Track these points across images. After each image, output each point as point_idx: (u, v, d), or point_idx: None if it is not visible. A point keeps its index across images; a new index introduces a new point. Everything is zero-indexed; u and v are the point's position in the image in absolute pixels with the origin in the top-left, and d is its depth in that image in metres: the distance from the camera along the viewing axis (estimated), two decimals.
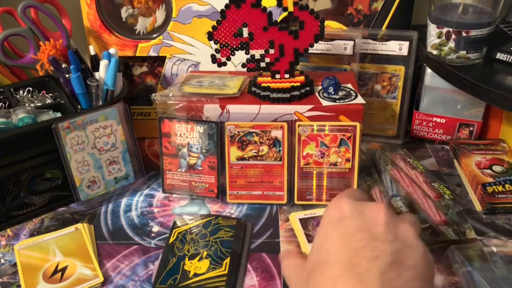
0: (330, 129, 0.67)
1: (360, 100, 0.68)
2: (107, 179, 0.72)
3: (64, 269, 0.60)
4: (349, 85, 0.72)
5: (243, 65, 0.70)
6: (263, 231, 0.66)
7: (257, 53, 0.68)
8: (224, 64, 0.70)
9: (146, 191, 0.75)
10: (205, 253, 0.60)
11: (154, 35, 0.83)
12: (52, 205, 0.71)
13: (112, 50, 0.76)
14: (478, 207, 0.69)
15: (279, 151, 0.68)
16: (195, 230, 0.65)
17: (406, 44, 0.78)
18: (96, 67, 0.74)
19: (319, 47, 0.80)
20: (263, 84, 0.70)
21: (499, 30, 0.76)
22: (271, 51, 0.68)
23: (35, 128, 0.66)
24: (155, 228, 0.67)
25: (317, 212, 0.67)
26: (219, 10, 0.67)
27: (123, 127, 0.71)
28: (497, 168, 0.72)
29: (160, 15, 0.82)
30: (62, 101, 0.74)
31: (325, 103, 0.68)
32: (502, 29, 0.78)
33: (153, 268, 0.61)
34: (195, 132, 0.69)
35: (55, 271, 0.60)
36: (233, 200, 0.71)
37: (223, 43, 0.68)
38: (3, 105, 0.75)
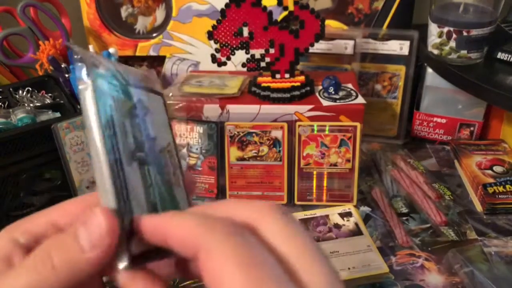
0: (330, 130, 0.67)
1: (360, 100, 0.68)
2: None
3: None
4: (350, 85, 0.72)
5: (243, 65, 0.70)
6: None
7: (257, 52, 0.68)
8: (224, 63, 0.69)
9: None
10: None
11: (154, 35, 0.83)
12: (51, 205, 0.71)
13: (111, 50, 0.75)
14: (478, 207, 0.68)
15: (279, 151, 0.68)
16: None
17: (406, 43, 0.78)
18: None
19: (320, 46, 0.80)
20: (263, 84, 0.70)
21: (500, 30, 0.76)
22: (271, 51, 0.68)
23: (35, 128, 0.66)
24: None
25: (317, 212, 0.67)
26: (219, 9, 0.66)
27: None
28: (498, 169, 0.72)
29: (160, 14, 0.82)
30: (62, 101, 0.74)
31: (325, 103, 0.68)
32: (503, 29, 0.77)
33: None
34: (195, 132, 0.69)
35: None
36: None
37: (223, 43, 0.68)
38: (2, 105, 0.74)
